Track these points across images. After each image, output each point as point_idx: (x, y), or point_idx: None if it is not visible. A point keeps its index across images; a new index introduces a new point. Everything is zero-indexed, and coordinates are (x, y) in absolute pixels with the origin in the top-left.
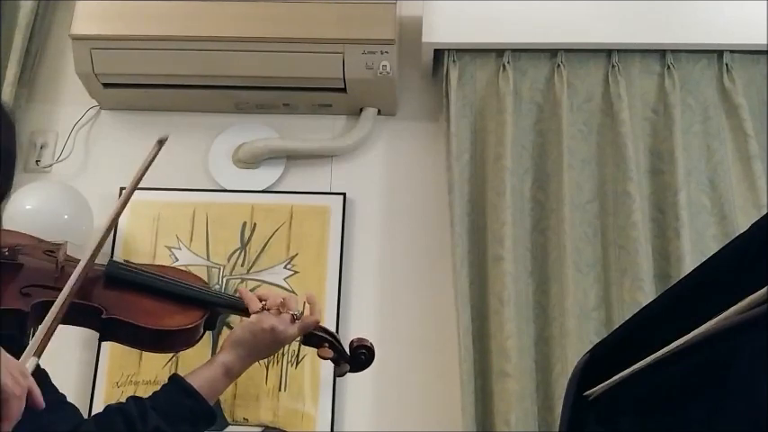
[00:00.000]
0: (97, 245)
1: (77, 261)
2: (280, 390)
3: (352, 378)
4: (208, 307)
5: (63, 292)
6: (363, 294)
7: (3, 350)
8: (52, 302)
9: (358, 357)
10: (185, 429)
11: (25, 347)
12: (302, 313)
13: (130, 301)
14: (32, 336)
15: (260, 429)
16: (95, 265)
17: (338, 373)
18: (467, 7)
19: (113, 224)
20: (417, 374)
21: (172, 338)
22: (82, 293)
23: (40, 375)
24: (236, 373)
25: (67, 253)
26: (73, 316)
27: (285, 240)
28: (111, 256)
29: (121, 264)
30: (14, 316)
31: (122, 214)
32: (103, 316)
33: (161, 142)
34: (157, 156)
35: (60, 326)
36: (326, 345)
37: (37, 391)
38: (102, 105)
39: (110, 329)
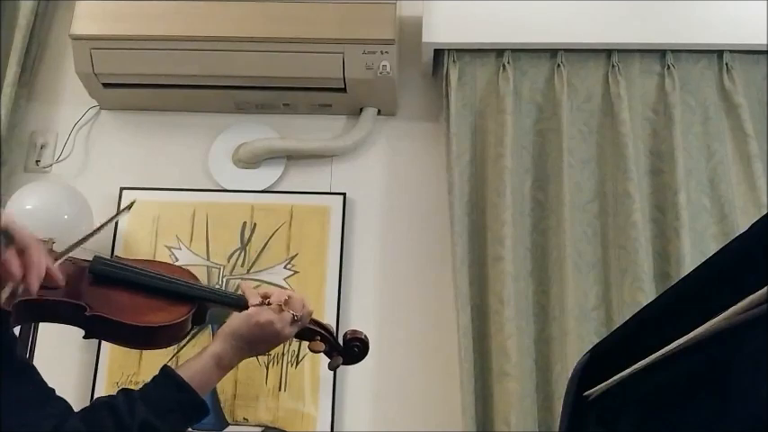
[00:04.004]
0: (79, 242)
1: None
2: (280, 390)
3: (352, 378)
4: (195, 302)
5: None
6: (363, 294)
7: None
8: (35, 302)
9: (351, 350)
10: (175, 421)
11: (8, 345)
12: (303, 316)
13: (114, 297)
14: (18, 336)
15: (260, 429)
16: (80, 260)
17: (331, 366)
18: (467, 7)
19: (99, 229)
20: (417, 374)
21: (156, 335)
22: (66, 291)
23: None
24: (227, 363)
25: (54, 249)
26: (58, 314)
27: (285, 240)
28: (112, 254)
29: (105, 260)
30: None
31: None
32: (87, 313)
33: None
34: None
35: (59, 327)
36: (318, 338)
37: (55, 268)
38: (102, 105)
39: (94, 327)
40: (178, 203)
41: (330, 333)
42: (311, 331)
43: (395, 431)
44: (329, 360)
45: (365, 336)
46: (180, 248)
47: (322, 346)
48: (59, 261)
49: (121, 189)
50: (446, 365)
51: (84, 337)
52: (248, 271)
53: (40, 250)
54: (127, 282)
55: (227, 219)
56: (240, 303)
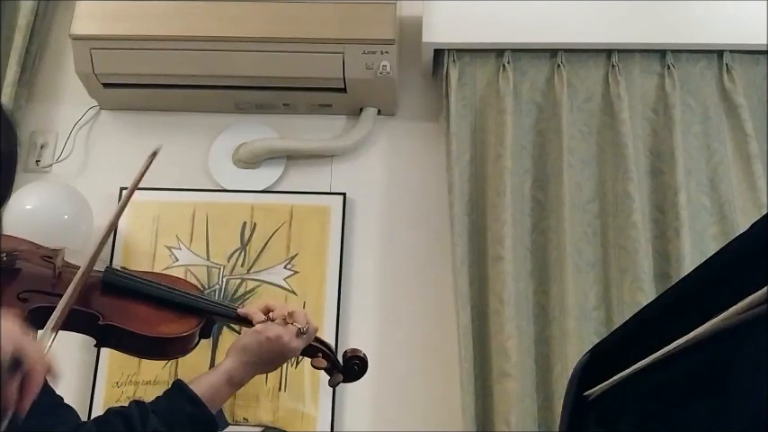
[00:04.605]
0: (97, 248)
1: (75, 267)
2: (280, 390)
3: None
4: (203, 315)
5: (75, 278)
6: (363, 294)
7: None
8: (49, 308)
9: (351, 368)
10: None
11: None
12: (308, 329)
13: (127, 308)
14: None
15: (260, 429)
16: (93, 271)
17: (332, 383)
18: (467, 7)
19: (112, 228)
20: (417, 375)
21: (167, 346)
22: (80, 300)
23: None
24: (238, 381)
25: (65, 259)
26: (71, 322)
27: (285, 240)
28: (112, 257)
29: (118, 271)
30: None
31: (122, 215)
32: (100, 322)
33: (154, 154)
34: (150, 165)
35: (59, 330)
36: (320, 355)
37: (56, 365)
38: (102, 105)
39: (106, 336)
40: (178, 203)
41: (332, 351)
42: (314, 348)
43: (395, 431)
44: (329, 377)
45: (364, 354)
46: (180, 248)
47: (324, 362)
48: (85, 275)
49: (121, 189)
50: (446, 365)
51: (96, 346)
52: (248, 271)
53: (40, 372)
54: (138, 293)
55: (227, 219)
56: (247, 318)
